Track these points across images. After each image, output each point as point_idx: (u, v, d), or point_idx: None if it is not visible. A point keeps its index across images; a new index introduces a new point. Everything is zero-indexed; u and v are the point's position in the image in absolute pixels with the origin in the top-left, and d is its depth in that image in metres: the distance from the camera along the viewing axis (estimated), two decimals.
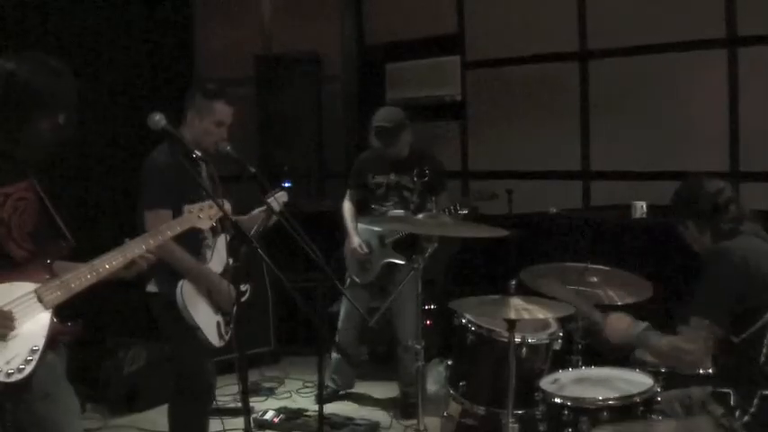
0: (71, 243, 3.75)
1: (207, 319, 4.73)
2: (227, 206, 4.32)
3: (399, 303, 6.35)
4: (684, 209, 4.03)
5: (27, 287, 3.51)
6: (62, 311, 3.59)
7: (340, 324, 6.95)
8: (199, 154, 4.43)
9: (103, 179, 7.85)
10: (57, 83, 3.64)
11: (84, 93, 3.77)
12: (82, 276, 3.61)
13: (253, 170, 4.63)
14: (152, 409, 6.57)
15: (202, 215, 4.05)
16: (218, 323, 4.77)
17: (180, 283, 4.67)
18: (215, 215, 4.12)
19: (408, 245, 6.60)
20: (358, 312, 6.61)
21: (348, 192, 6.92)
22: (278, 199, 4.95)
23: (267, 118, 8.85)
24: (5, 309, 3.39)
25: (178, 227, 3.98)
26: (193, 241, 4.77)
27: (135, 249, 3.77)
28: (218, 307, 4.79)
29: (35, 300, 3.51)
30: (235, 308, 4.62)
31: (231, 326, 4.82)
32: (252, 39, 9.32)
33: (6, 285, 3.47)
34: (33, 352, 3.45)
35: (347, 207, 6.88)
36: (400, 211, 6.60)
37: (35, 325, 3.50)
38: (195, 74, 9.10)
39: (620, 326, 4.03)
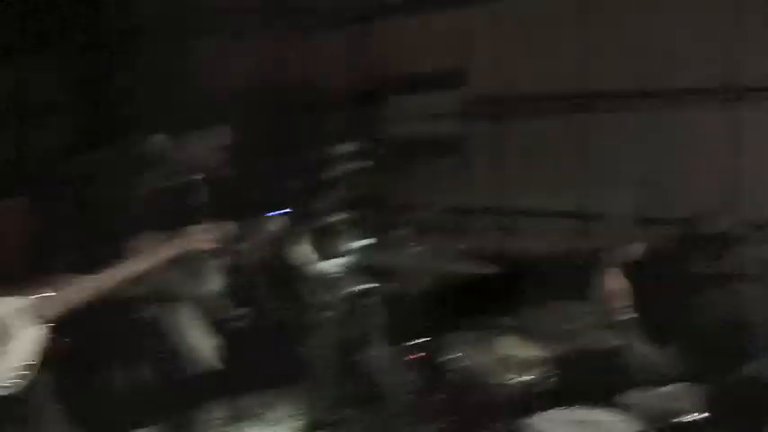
0: (74, 257, 3.77)
1: (204, 343, 4.73)
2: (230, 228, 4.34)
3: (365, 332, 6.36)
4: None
5: (25, 301, 3.51)
6: (58, 328, 3.59)
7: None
8: (198, 177, 4.44)
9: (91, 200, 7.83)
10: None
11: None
12: (82, 292, 3.62)
13: (245, 190, 4.65)
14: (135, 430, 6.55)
15: (204, 237, 4.07)
16: (212, 346, 4.76)
17: (172, 304, 4.68)
18: (217, 238, 4.14)
19: (377, 270, 6.63)
20: (330, 345, 6.63)
21: None
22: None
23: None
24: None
25: (179, 247, 4.00)
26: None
27: (134, 268, 3.78)
28: (212, 328, 4.79)
29: (31, 314, 3.52)
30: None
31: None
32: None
33: (4, 298, 3.48)
34: (28, 367, 3.45)
35: None
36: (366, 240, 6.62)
37: (30, 340, 3.50)
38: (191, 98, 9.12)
39: None
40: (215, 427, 5.15)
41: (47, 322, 3.54)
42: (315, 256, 6.74)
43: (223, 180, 4.93)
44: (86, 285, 3.64)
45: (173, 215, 4.75)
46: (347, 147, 6.83)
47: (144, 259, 3.88)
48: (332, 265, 6.77)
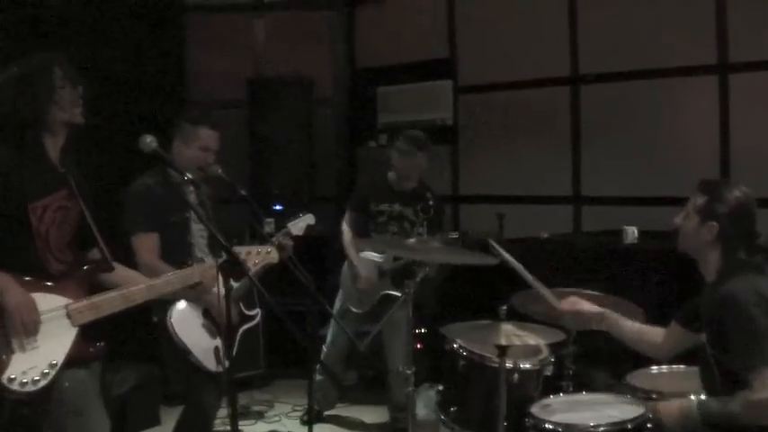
0: (106, 256, 3.78)
1: (201, 343, 4.70)
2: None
3: (391, 330, 6.32)
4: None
5: (58, 301, 3.56)
6: (88, 332, 3.62)
7: (326, 347, 6.93)
8: (190, 177, 4.42)
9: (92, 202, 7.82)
10: (49, 72, 3.70)
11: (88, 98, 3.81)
12: (113, 301, 3.66)
13: (243, 193, 4.63)
14: (140, 431, 6.55)
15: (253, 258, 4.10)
16: (217, 348, 4.71)
17: (172, 305, 4.66)
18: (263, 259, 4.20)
19: (406, 276, 6.60)
20: (345, 336, 6.62)
21: (348, 214, 6.85)
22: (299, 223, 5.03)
23: (258, 141, 8.83)
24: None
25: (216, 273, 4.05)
26: (181, 258, 4.79)
27: (166, 287, 3.87)
28: (218, 330, 4.75)
29: (64, 315, 3.55)
30: (240, 331, 4.66)
31: (234, 350, 4.80)
32: (243, 62, 9.32)
33: (39, 296, 3.50)
34: (52, 366, 3.49)
35: (349, 235, 6.79)
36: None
37: (59, 340, 3.53)
38: (187, 97, 9.08)
39: (672, 412, 3.81)
40: (216, 426, 5.15)
41: (79, 325, 3.58)
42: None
43: (213, 179, 4.93)
44: (121, 295, 3.70)
45: (157, 216, 4.80)
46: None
47: (178, 277, 3.98)
48: (368, 256, 6.76)
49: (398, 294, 6.61)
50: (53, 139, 3.73)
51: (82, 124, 3.78)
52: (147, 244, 4.82)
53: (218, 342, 4.72)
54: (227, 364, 4.70)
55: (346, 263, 6.80)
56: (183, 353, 4.64)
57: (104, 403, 6.23)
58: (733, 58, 7.04)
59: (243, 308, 4.93)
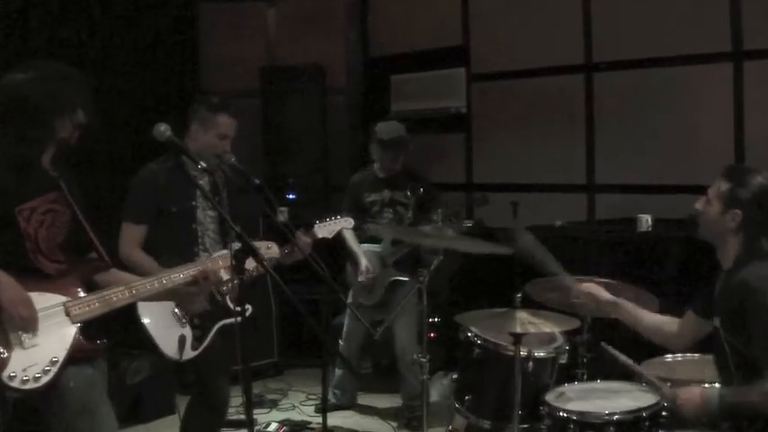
0: (103, 257, 3.78)
1: (166, 332, 4.68)
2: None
3: (398, 317, 6.36)
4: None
5: (56, 299, 3.55)
6: (91, 329, 3.61)
7: (343, 337, 6.96)
8: (204, 165, 4.43)
9: (107, 191, 7.84)
10: (67, 85, 3.70)
11: (88, 129, 3.82)
12: (115, 296, 3.65)
13: (258, 182, 4.63)
14: (155, 420, 6.58)
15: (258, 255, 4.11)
16: (183, 336, 4.69)
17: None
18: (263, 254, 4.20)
19: (409, 261, 6.64)
20: (360, 327, 6.66)
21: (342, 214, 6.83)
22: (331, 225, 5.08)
23: (271, 130, 8.85)
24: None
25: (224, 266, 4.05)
26: (186, 247, 4.80)
27: (181, 276, 3.86)
28: (189, 319, 4.75)
29: (62, 312, 3.54)
30: (238, 322, 4.62)
31: (208, 340, 4.79)
32: (257, 51, 9.31)
33: (35, 295, 3.50)
34: (53, 363, 3.48)
35: (347, 233, 6.78)
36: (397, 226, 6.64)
37: (59, 337, 3.53)
38: (200, 86, 9.09)
39: (693, 399, 3.78)
40: (230, 414, 5.15)
41: (79, 322, 3.57)
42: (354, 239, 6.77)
43: (227, 168, 4.93)
44: (126, 289, 3.70)
45: (154, 208, 4.82)
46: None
47: (189, 269, 3.97)
48: (368, 248, 6.79)
49: (406, 279, 6.67)
50: (50, 147, 3.72)
51: (72, 146, 3.78)
52: (130, 235, 4.86)
53: (185, 331, 4.71)
54: (191, 355, 4.72)
55: (348, 261, 6.85)
56: (143, 334, 4.64)
57: (120, 393, 6.33)
58: (747, 45, 7.00)
59: (228, 301, 4.88)
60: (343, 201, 6.99)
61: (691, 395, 3.81)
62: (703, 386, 3.87)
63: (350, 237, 6.75)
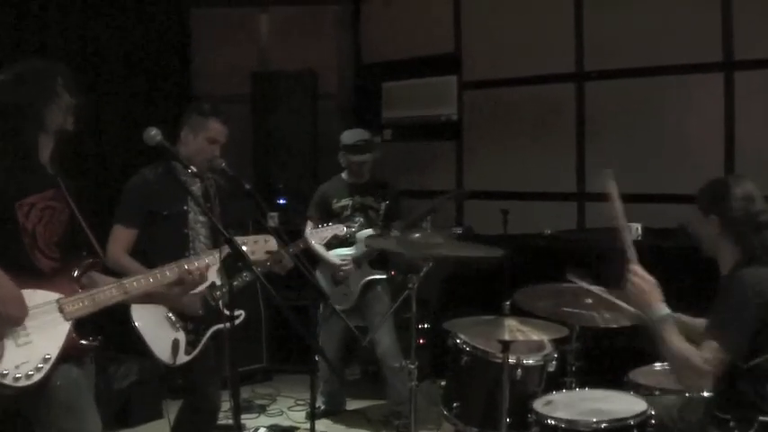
0: (99, 256, 3.78)
1: (159, 335, 4.69)
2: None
3: (377, 322, 6.39)
4: (716, 204, 3.82)
5: (50, 296, 3.54)
6: (84, 327, 3.61)
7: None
8: (194, 169, 4.42)
9: (98, 195, 7.84)
10: (42, 74, 3.72)
11: (80, 109, 3.82)
12: (108, 293, 3.65)
13: (248, 187, 4.63)
14: (143, 425, 6.56)
15: (254, 248, 4.07)
16: (177, 340, 4.70)
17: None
18: (262, 248, 4.18)
19: (382, 259, 6.68)
20: (338, 333, 6.70)
21: (308, 223, 6.75)
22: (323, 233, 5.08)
23: (262, 135, 8.84)
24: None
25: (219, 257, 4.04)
26: (178, 251, 4.79)
27: (168, 274, 3.84)
28: (182, 324, 4.75)
29: (56, 309, 3.53)
30: (227, 327, 4.62)
31: (201, 345, 4.79)
32: (248, 57, 9.30)
33: (29, 292, 3.49)
34: (45, 360, 3.47)
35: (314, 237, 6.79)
36: (369, 230, 6.63)
37: (52, 334, 3.52)
38: (192, 91, 9.08)
39: (644, 289, 3.82)
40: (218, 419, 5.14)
41: (72, 319, 3.57)
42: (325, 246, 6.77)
43: (217, 173, 4.94)
44: (118, 287, 3.69)
45: (145, 213, 4.83)
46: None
47: (181, 265, 3.95)
48: (341, 254, 6.79)
49: (381, 276, 6.69)
50: (46, 140, 3.73)
51: (71, 131, 3.79)
52: (120, 237, 4.86)
53: (179, 335, 4.72)
54: (184, 359, 4.72)
55: (318, 268, 6.84)
56: (136, 337, 4.64)
57: (108, 397, 6.30)
58: (738, 55, 7.03)
59: (221, 305, 4.88)
60: (309, 209, 6.96)
61: (644, 294, 3.83)
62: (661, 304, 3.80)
63: (315, 245, 6.73)
